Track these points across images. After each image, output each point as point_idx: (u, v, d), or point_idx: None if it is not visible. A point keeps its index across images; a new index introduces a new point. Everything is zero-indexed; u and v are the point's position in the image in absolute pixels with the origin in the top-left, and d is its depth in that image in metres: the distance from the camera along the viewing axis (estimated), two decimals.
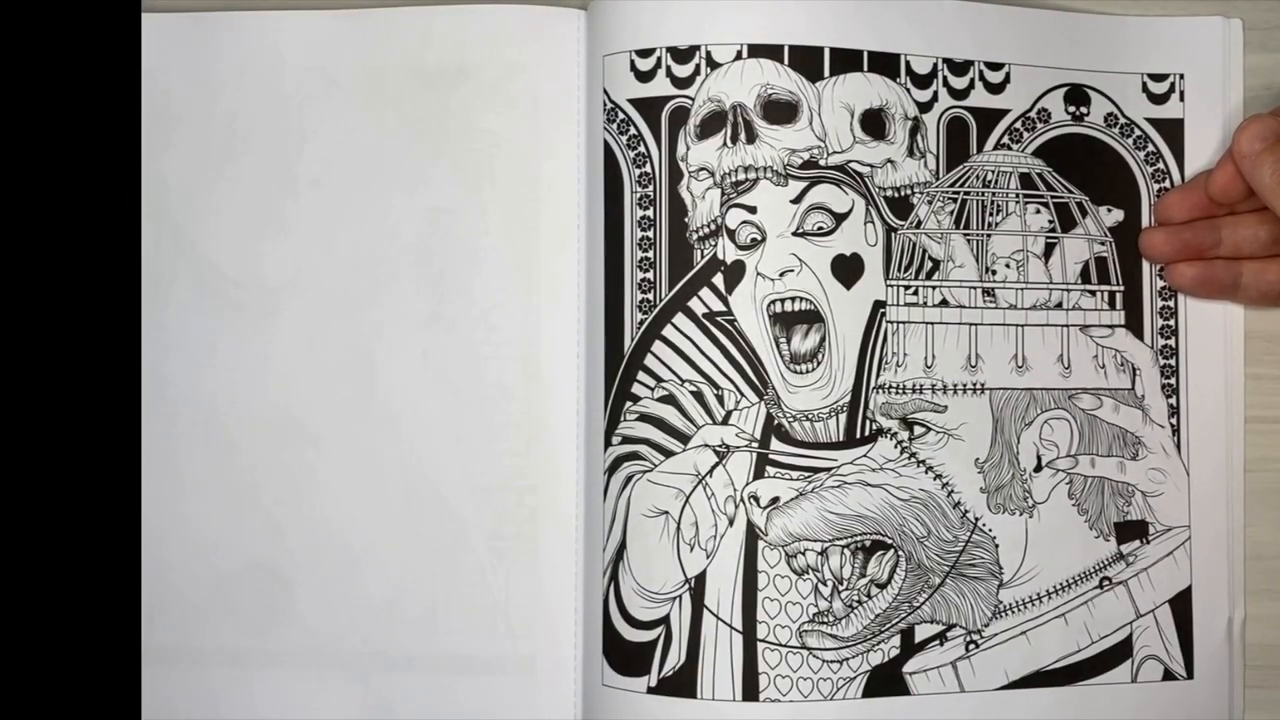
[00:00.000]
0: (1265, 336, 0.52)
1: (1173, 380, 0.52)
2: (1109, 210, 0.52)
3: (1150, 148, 0.53)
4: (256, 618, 0.51)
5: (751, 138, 0.50)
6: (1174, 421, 0.52)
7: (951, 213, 0.51)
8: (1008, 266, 0.51)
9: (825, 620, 0.49)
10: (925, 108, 0.51)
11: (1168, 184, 0.52)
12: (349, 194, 0.52)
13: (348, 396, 0.52)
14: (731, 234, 0.50)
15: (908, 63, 0.51)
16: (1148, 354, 0.52)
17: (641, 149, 0.50)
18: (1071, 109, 0.52)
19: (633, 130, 0.50)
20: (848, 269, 0.50)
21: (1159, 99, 0.53)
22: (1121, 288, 0.52)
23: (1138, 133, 0.53)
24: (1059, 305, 0.51)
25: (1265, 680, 0.51)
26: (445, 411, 0.51)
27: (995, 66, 0.52)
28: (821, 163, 0.50)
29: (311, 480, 0.51)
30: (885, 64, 0.51)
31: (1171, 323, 0.52)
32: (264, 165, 0.52)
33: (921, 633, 0.50)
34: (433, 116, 0.52)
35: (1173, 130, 0.53)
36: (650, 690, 0.48)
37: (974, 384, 0.51)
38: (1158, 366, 0.52)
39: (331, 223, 0.52)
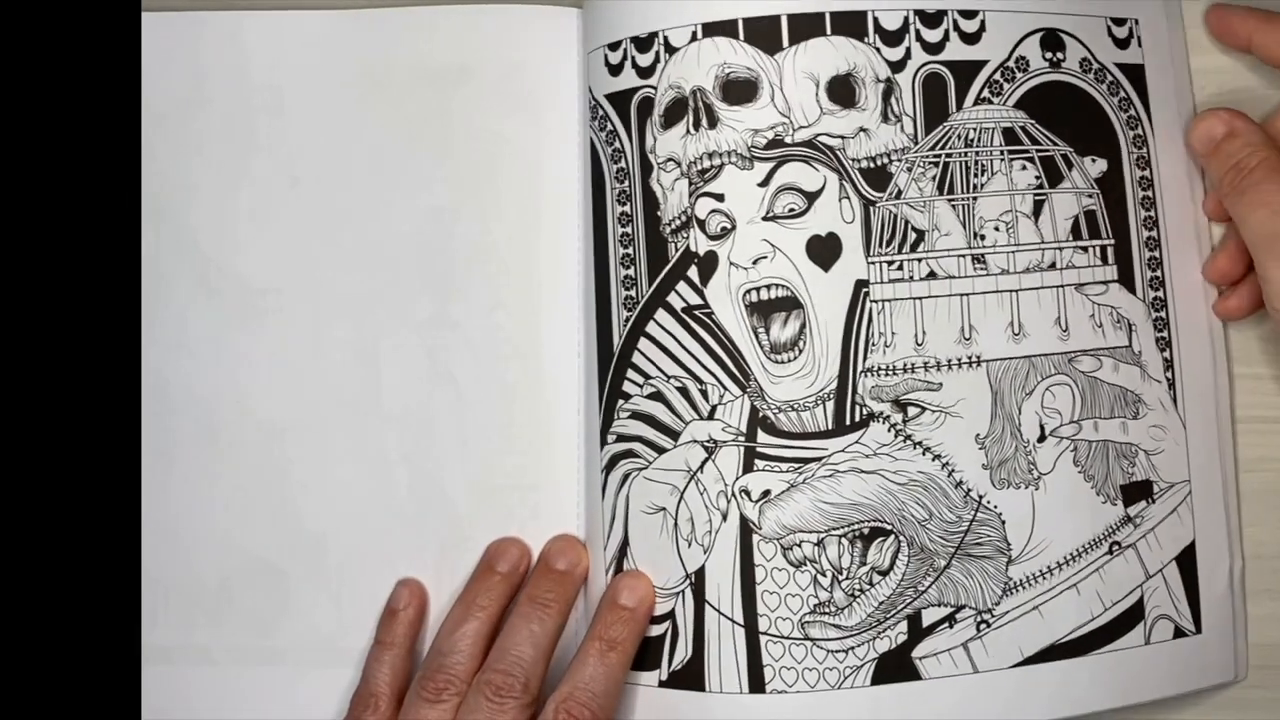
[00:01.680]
0: (1262, 337, 0.51)
1: (1165, 333, 0.50)
2: (1093, 161, 0.50)
3: (1122, 94, 0.50)
4: (259, 616, 0.51)
5: (713, 122, 0.47)
6: (1169, 375, 0.50)
7: (934, 178, 0.48)
8: (997, 229, 0.49)
9: (827, 611, 0.48)
10: (898, 67, 0.48)
11: (1140, 130, 0.50)
12: (351, 194, 0.52)
13: (350, 396, 0.51)
14: (702, 224, 0.48)
15: (876, 19, 0.48)
16: (1141, 308, 0.50)
17: (617, 144, 0.49)
18: (1049, 55, 0.49)
19: (610, 126, 0.49)
20: (824, 250, 0.48)
21: (1122, 44, 0.50)
22: (1112, 241, 0.50)
23: (1110, 78, 0.50)
24: (1052, 265, 0.49)
25: (1265, 681, 0.50)
26: (448, 411, 0.51)
27: (969, 14, 0.49)
28: (787, 140, 0.47)
29: (314, 479, 0.51)
30: (850, 23, 0.48)
31: (1159, 273, 0.50)
32: (266, 165, 0.52)
33: (929, 616, 0.48)
34: (435, 116, 0.51)
35: (1137, 75, 0.50)
36: (662, 684, 0.48)
37: (969, 357, 0.48)
38: (1151, 320, 0.50)
39: (334, 222, 0.52)
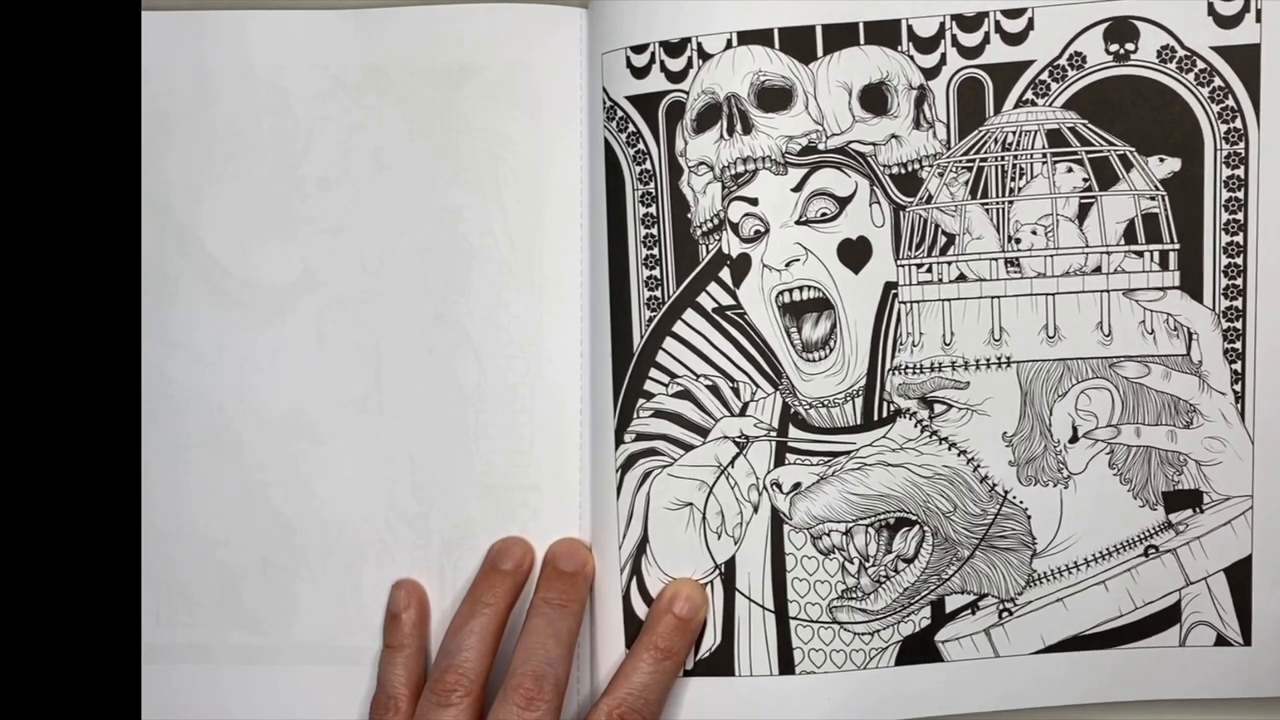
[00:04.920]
0: None
1: (1238, 344, 0.48)
2: (1161, 160, 0.48)
3: (1217, 82, 0.47)
4: (262, 615, 0.52)
5: (748, 128, 0.49)
6: (1238, 388, 0.48)
7: (966, 183, 0.48)
8: (1034, 233, 0.48)
9: (854, 596, 0.50)
10: (931, 74, 0.48)
11: (1238, 123, 0.47)
12: (354, 193, 0.52)
13: (354, 395, 0.52)
14: (735, 227, 0.49)
15: (910, 27, 0.48)
16: (1207, 316, 0.48)
17: (641, 146, 0.50)
18: (1114, 48, 0.47)
19: (631, 128, 0.50)
20: (855, 253, 0.49)
21: (1229, 22, 0.47)
22: (1176, 246, 0.48)
23: (1200, 65, 0.47)
24: (1097, 269, 0.48)
25: None
26: (451, 410, 0.52)
27: (1014, 14, 0.47)
28: (821, 147, 0.48)
29: (318, 478, 0.52)
30: (883, 33, 0.48)
31: (1239, 282, 0.48)
32: (270, 165, 0.52)
33: (952, 603, 0.50)
34: (437, 116, 0.52)
35: (1245, 58, 0.47)
36: (687, 673, 0.50)
37: (998, 358, 0.49)
38: (1219, 330, 0.48)
39: (338, 222, 0.52)
